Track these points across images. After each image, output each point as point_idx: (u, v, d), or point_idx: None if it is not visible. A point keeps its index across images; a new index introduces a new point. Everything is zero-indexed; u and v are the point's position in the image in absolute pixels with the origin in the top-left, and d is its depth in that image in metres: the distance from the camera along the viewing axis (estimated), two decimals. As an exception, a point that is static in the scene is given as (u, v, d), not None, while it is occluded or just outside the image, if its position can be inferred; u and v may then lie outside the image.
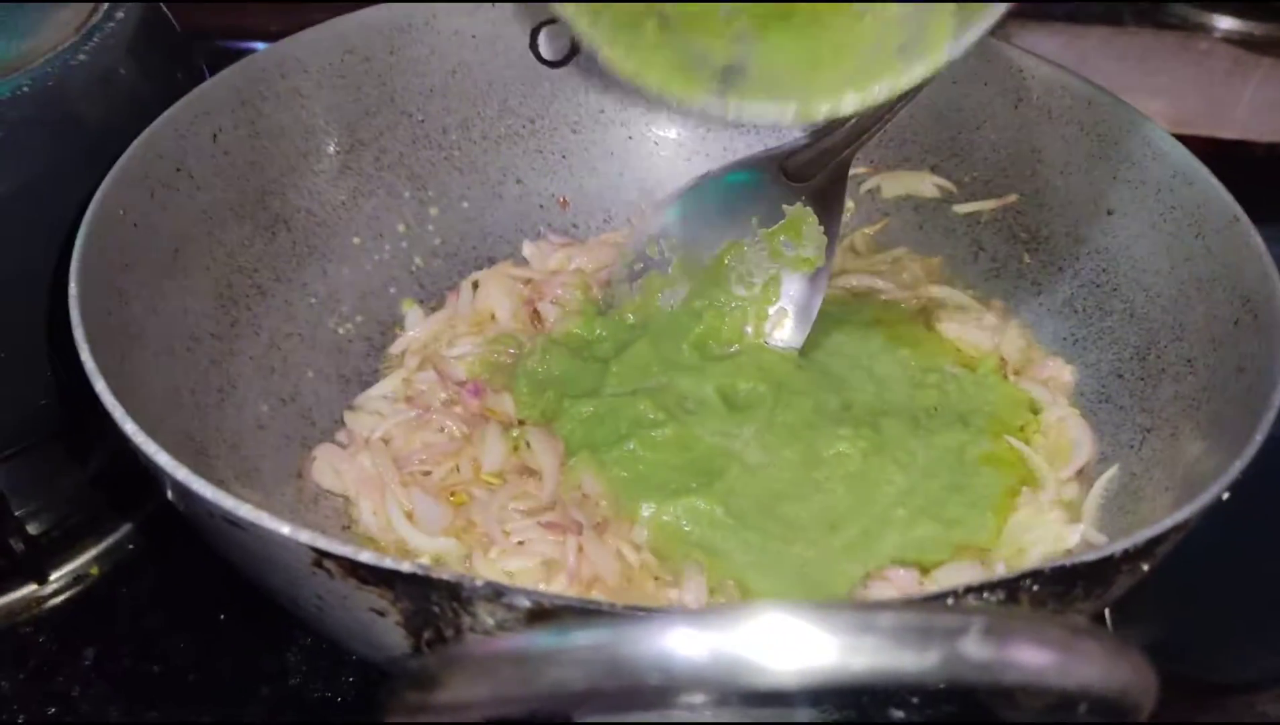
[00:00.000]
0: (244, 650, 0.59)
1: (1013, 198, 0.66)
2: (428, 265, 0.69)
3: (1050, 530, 0.52)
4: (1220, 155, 0.96)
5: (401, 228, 0.68)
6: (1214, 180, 0.55)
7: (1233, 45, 1.11)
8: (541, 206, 0.73)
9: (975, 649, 0.22)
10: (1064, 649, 0.23)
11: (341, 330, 0.64)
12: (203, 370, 0.55)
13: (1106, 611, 0.62)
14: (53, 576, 0.62)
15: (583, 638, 0.23)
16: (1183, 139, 0.58)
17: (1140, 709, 0.25)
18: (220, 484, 0.49)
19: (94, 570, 0.63)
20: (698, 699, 0.22)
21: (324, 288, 0.64)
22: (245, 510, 0.35)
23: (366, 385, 0.63)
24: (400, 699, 0.25)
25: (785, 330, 0.63)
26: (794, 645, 0.21)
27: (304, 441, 0.59)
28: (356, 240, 0.66)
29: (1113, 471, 0.55)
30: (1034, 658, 0.22)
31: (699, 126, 0.74)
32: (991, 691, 0.22)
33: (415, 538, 0.53)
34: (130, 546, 0.64)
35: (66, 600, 0.62)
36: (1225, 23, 1.14)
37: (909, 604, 0.22)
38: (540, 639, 0.24)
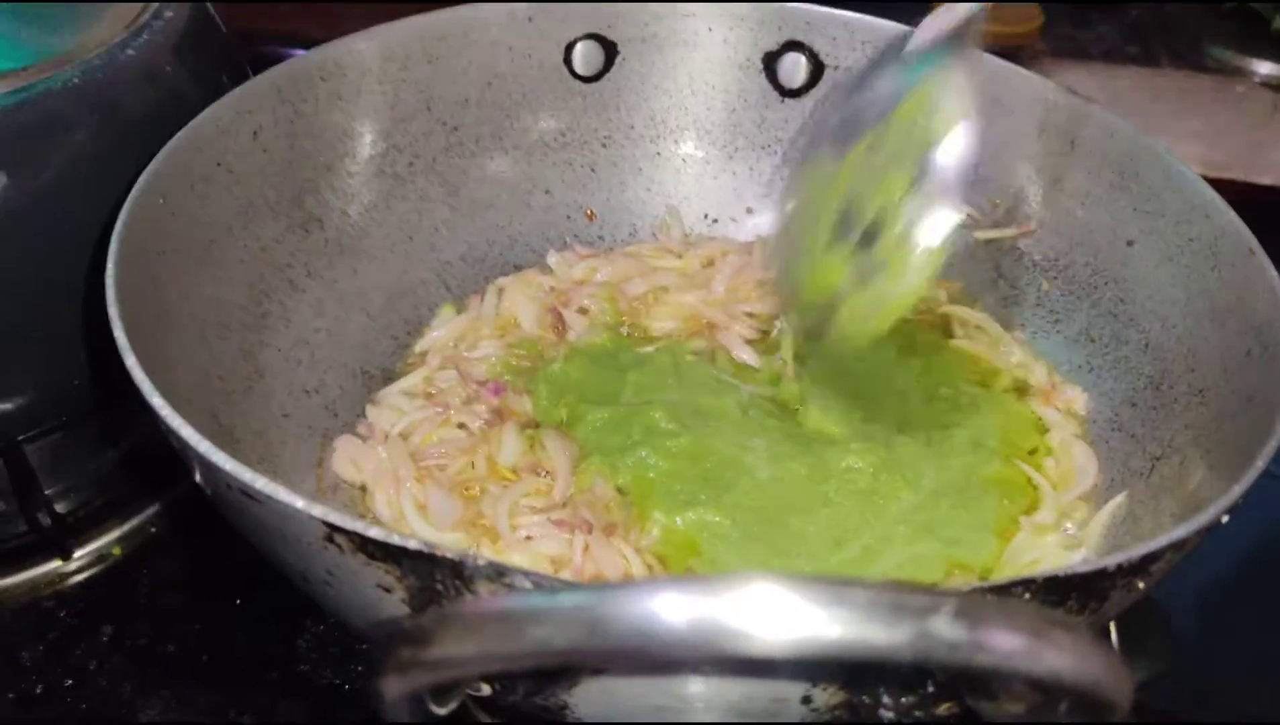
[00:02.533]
0: (257, 635, 0.60)
1: (1032, 226, 0.67)
2: (455, 269, 0.70)
3: (1050, 553, 0.52)
4: (1256, 200, 0.96)
5: (431, 231, 0.70)
6: (1231, 213, 0.55)
7: (1271, 90, 1.11)
8: (569, 217, 0.75)
9: (946, 628, 0.22)
10: (1035, 635, 0.23)
11: (368, 327, 0.66)
12: (232, 358, 0.57)
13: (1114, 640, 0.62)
14: (76, 554, 0.64)
15: (568, 599, 0.24)
16: (1218, 183, 0.58)
17: (1116, 707, 0.25)
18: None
19: (116, 550, 0.65)
20: (680, 662, 0.23)
21: (353, 285, 0.65)
22: (262, 483, 0.36)
23: (389, 381, 0.64)
24: (394, 656, 0.26)
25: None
26: (770, 614, 0.22)
27: (325, 433, 0.60)
28: (387, 241, 0.68)
29: (1120, 499, 0.55)
30: (1004, 641, 0.23)
31: (725, 146, 0.76)
32: (964, 675, 0.22)
33: (424, 530, 0.54)
34: (153, 529, 0.66)
35: (89, 578, 0.64)
36: (1264, 67, 1.14)
37: (889, 583, 0.23)
38: (528, 599, 0.25)
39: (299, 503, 0.35)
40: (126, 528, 0.66)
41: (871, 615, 0.22)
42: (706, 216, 0.76)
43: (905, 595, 0.23)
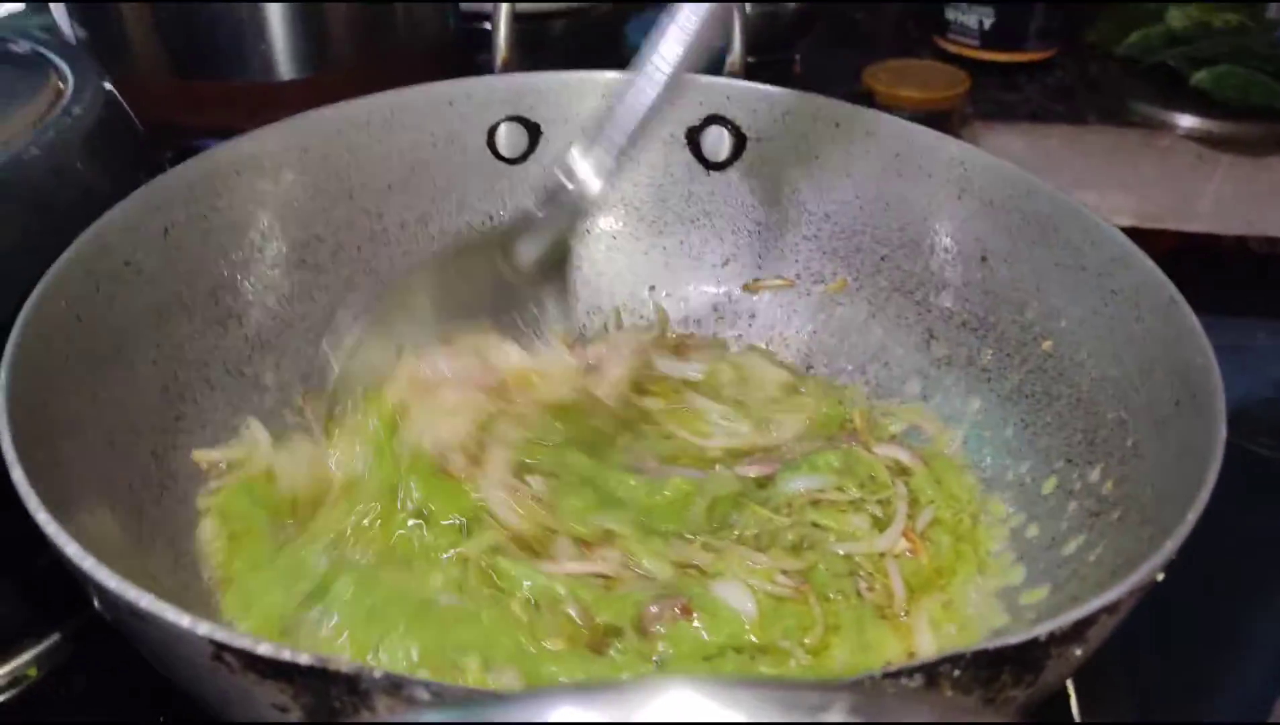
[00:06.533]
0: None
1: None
2: (383, 357, 0.69)
3: None
4: (1189, 248, 0.98)
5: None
6: (1150, 263, 0.55)
7: (1194, 142, 1.13)
8: (499, 301, 0.74)
9: (839, 727, 0.21)
10: (940, 730, 0.22)
11: (295, 423, 0.64)
12: (142, 464, 0.55)
13: (1073, 698, 0.61)
14: (-10, 677, 0.61)
15: None
16: (1151, 233, 0.59)
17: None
18: (153, 580, 0.49)
19: (32, 671, 0.61)
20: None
21: (275, 380, 0.64)
22: (146, 601, 0.34)
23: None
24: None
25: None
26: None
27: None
28: (310, 333, 0.66)
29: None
30: (906, 738, 0.21)
31: (654, 221, 0.76)
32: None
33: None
34: (71, 648, 0.63)
35: (3, 701, 0.60)
36: (1186, 121, 1.16)
37: (779, 682, 0.21)
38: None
39: (184, 621, 0.32)
40: (43, 647, 0.62)
41: (759, 716, 0.20)
42: (653, 288, 0.76)
43: (794, 694, 0.21)
